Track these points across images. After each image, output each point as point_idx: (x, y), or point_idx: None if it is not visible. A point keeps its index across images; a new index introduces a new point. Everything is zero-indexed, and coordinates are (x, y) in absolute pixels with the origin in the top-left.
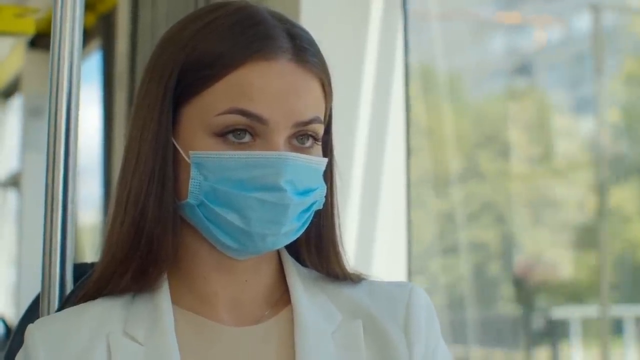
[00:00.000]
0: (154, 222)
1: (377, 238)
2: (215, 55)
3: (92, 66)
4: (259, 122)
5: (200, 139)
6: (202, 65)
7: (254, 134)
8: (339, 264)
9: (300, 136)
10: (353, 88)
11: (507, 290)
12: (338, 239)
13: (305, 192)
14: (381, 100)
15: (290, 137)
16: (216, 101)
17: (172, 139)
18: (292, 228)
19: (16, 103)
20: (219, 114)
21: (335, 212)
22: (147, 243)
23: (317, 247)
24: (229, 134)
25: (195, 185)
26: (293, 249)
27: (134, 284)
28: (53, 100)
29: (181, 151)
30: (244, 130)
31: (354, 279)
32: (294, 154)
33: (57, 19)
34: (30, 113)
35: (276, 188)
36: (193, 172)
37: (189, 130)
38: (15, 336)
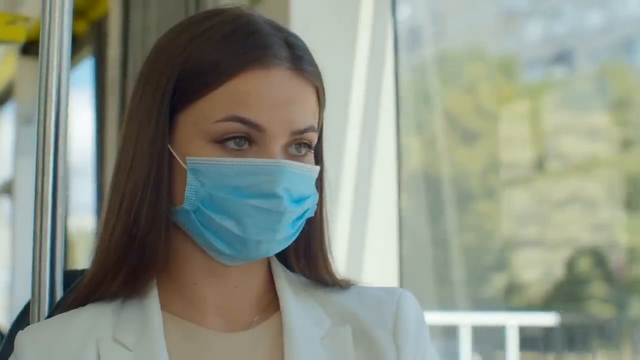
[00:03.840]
0: (147, 228)
1: (367, 244)
2: (213, 63)
3: (84, 72)
4: (257, 130)
5: (197, 146)
6: (200, 72)
7: (250, 142)
8: (328, 270)
9: (296, 144)
10: (343, 93)
11: (598, 289)
12: (327, 245)
13: (300, 200)
14: (371, 105)
15: (286, 145)
16: (214, 108)
17: (168, 145)
18: (286, 235)
19: (9, 110)
20: (217, 121)
21: (324, 219)
22: (140, 248)
23: (305, 253)
24: (226, 141)
25: (191, 191)
26: (282, 255)
27: (125, 289)
28: (42, 107)
29: (177, 157)
30: (241, 137)
31: (343, 285)
32: (290, 162)
33: (46, 26)
34: (23, 120)
35: (273, 195)
36: (189, 178)
37: (185, 136)
38: (6, 343)
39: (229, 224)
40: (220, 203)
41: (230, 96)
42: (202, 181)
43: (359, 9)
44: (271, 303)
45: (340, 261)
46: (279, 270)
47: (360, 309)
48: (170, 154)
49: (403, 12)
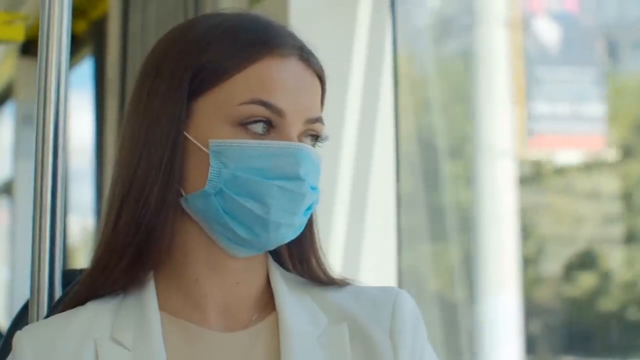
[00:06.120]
0: (156, 210)
1: (365, 243)
2: (233, 50)
3: (83, 72)
4: (278, 114)
5: (220, 129)
6: (221, 58)
7: (269, 126)
8: (321, 268)
9: (308, 134)
10: (341, 92)
11: None
12: (317, 243)
13: (314, 188)
14: (369, 102)
15: (300, 135)
16: (237, 91)
17: (184, 131)
18: (301, 222)
19: (9, 110)
20: (240, 104)
21: (314, 216)
22: (146, 232)
23: (298, 251)
24: (249, 125)
25: (214, 173)
26: (276, 255)
27: (126, 276)
28: (41, 107)
29: (195, 141)
30: (263, 121)
31: (340, 283)
32: (310, 146)
33: (45, 25)
34: (23, 120)
35: (296, 177)
36: (212, 160)
37: (204, 120)
38: (5, 342)
39: (252, 205)
40: (245, 184)
41: (253, 80)
42: (225, 163)
43: (357, 6)
44: (269, 302)
45: (336, 260)
46: (275, 269)
47: (357, 308)
48: (186, 139)
49: (432, 2)
